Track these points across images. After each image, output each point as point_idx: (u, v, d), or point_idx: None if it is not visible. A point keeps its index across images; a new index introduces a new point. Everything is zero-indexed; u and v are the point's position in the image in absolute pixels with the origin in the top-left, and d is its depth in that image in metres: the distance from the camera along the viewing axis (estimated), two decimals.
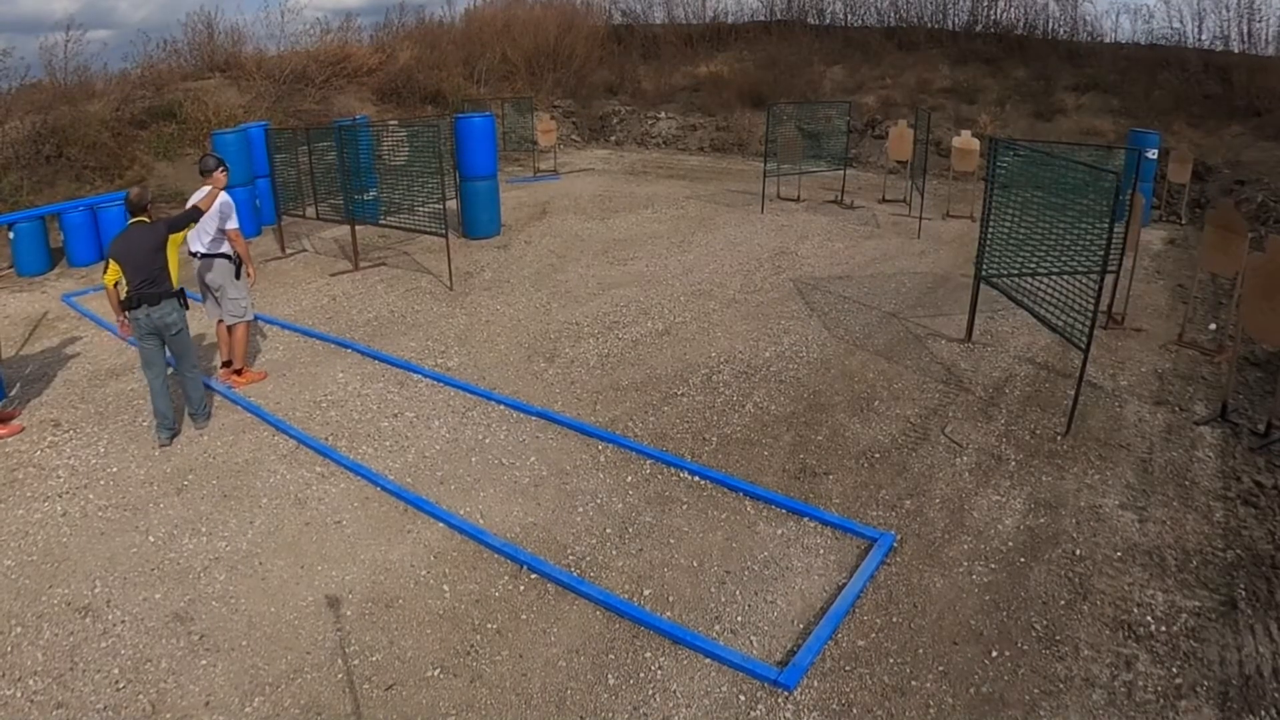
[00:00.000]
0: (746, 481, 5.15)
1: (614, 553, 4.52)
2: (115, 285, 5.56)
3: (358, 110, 16.47)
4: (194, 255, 6.46)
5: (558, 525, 4.78)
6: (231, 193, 6.53)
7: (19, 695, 3.62)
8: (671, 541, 4.60)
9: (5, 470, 5.53)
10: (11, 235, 10.19)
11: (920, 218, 11.50)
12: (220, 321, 6.65)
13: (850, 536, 4.62)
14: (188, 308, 5.81)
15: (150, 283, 5.51)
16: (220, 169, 6.29)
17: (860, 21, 20.69)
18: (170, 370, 5.94)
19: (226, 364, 6.77)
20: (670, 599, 4.14)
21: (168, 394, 5.80)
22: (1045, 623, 3.93)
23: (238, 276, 6.52)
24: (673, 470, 5.34)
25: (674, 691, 3.57)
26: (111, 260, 5.53)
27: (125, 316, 5.62)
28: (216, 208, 6.27)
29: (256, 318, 7.34)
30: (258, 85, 16.20)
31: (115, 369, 7.21)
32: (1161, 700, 3.48)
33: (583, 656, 3.79)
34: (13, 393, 6.58)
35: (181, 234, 5.81)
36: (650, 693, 3.57)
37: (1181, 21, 16.68)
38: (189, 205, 6.12)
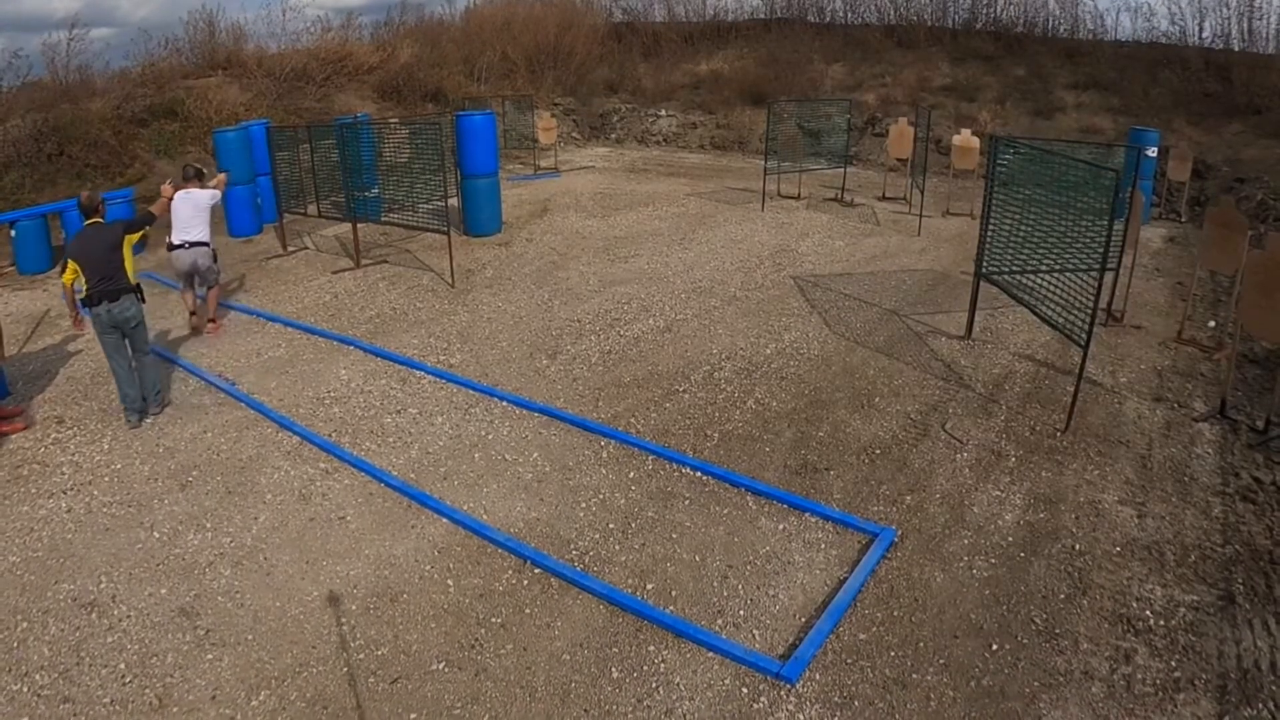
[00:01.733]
0: (748, 477, 5.17)
1: (617, 547, 4.55)
2: (72, 284, 5.87)
3: (358, 108, 16.48)
4: (185, 246, 7.54)
5: (561, 520, 4.81)
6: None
7: (26, 690, 3.65)
8: (674, 536, 4.63)
9: (10, 467, 5.55)
10: (13, 233, 10.21)
11: (920, 215, 11.52)
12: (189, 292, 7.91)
13: (851, 531, 4.65)
14: (144, 301, 6.12)
15: (109, 279, 5.78)
16: (168, 182, 7.31)
17: (860, 19, 20.70)
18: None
19: (193, 314, 7.99)
20: (673, 593, 4.17)
21: (134, 379, 6.09)
22: (1045, 616, 3.96)
23: (215, 259, 7.92)
24: (675, 466, 5.36)
25: (677, 684, 3.60)
26: (70, 260, 5.81)
27: (80, 314, 6.03)
28: (206, 201, 7.64)
29: (258, 315, 8.10)
30: (259, 83, 16.21)
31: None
32: (1160, 693, 3.51)
33: (586, 650, 3.81)
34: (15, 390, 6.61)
35: (137, 235, 6.21)
36: (654, 685, 3.60)
37: (1182, 19, 16.68)
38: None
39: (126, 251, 5.94)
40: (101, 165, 12.64)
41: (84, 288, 5.79)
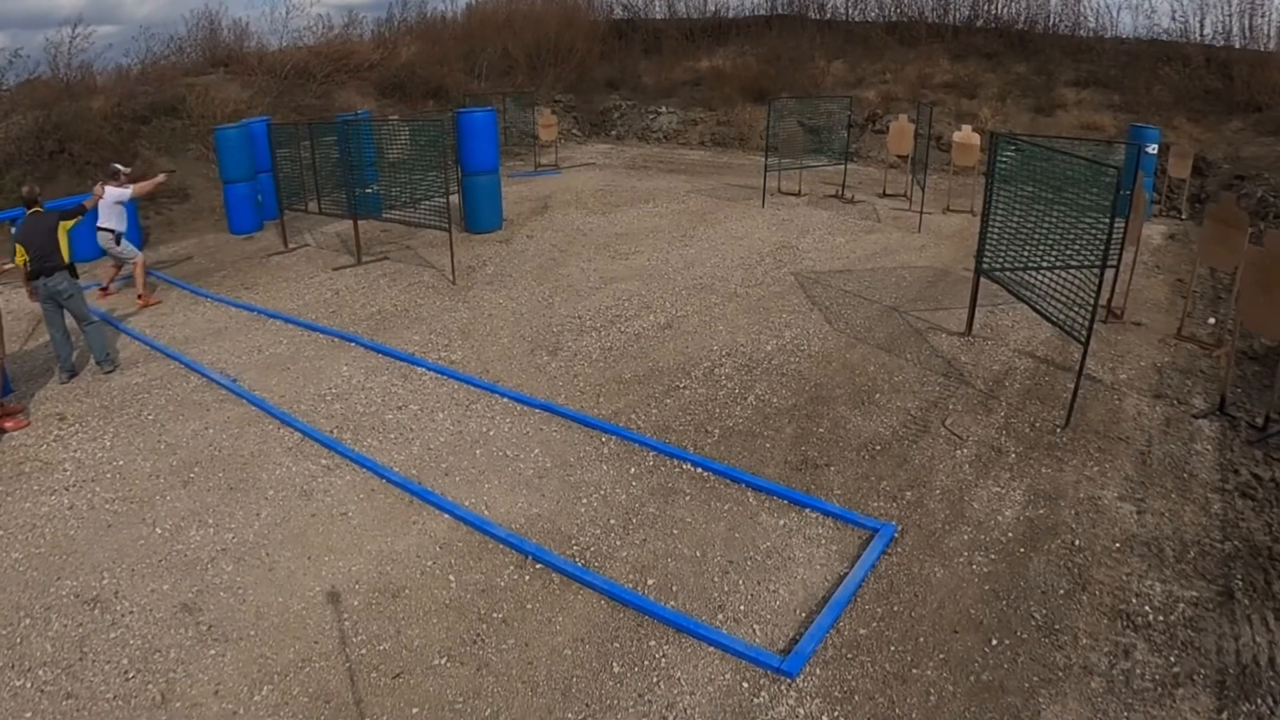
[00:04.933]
0: (749, 473, 5.19)
1: (618, 543, 4.56)
2: (23, 264, 6.75)
3: (359, 105, 16.46)
4: (100, 229, 8.71)
5: (562, 516, 4.82)
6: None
7: (29, 686, 3.66)
8: (675, 532, 4.65)
9: (12, 464, 5.57)
10: (14, 231, 10.19)
11: (921, 212, 11.52)
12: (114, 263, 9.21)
13: (851, 527, 4.67)
14: (78, 278, 7.00)
15: (45, 259, 6.70)
16: (99, 184, 8.41)
17: (862, 16, 20.68)
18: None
19: (104, 289, 9.30)
20: (674, 588, 4.19)
21: (67, 343, 6.95)
22: (1044, 612, 3.98)
23: (118, 242, 8.81)
24: (676, 462, 5.38)
25: (678, 679, 3.62)
26: (17, 244, 6.76)
27: (33, 287, 6.81)
28: (112, 196, 8.53)
29: (260, 312, 8.25)
30: (259, 81, 16.20)
31: (119, 363, 7.25)
32: (1159, 688, 3.52)
33: (588, 645, 3.83)
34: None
35: (71, 221, 7.00)
36: (654, 680, 3.62)
37: (1183, 16, 16.65)
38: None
39: (61, 236, 6.79)
40: (102, 163, 12.58)
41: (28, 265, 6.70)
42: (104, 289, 9.35)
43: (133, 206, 10.92)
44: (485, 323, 7.99)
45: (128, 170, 9.26)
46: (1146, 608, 3.99)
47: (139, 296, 8.95)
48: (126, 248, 8.98)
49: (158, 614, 4.09)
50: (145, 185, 9.14)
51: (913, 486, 5.07)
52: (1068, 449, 5.47)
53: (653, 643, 3.83)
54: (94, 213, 8.25)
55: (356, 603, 4.14)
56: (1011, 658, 3.70)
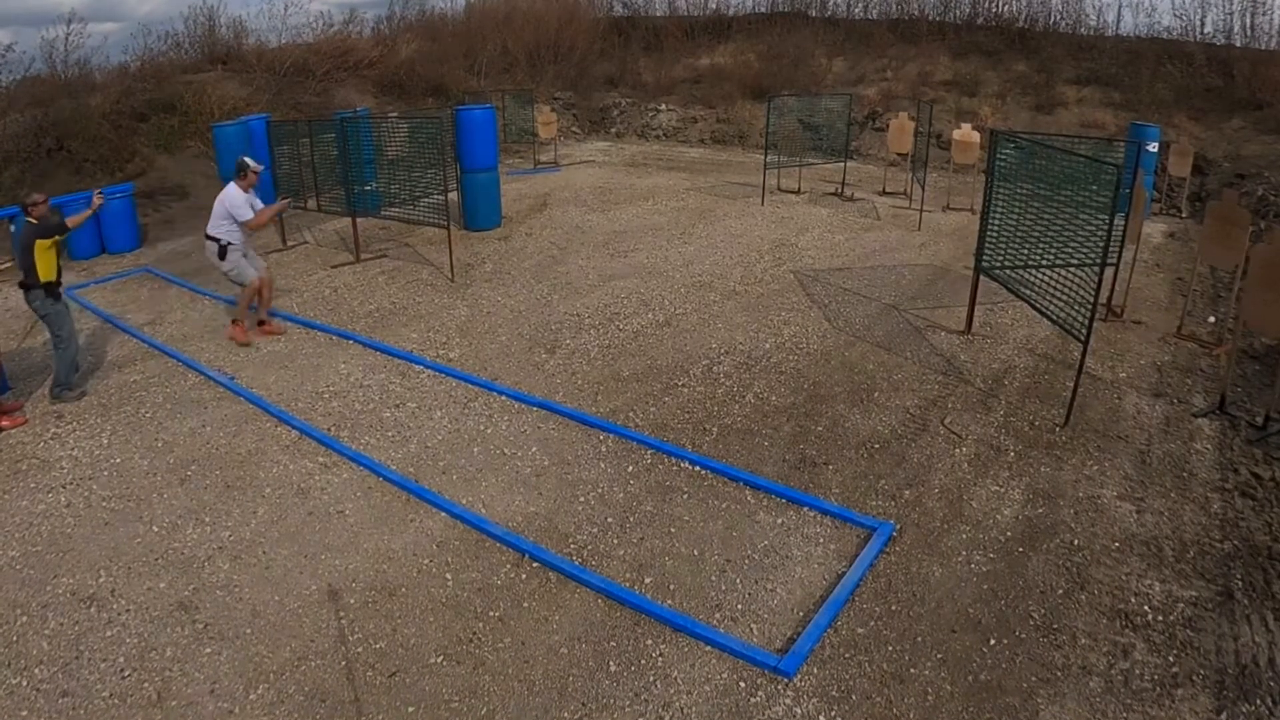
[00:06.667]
0: (747, 471, 5.18)
1: (615, 541, 4.55)
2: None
3: (358, 103, 16.43)
4: (208, 237, 7.46)
5: (559, 514, 4.81)
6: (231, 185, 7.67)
7: (25, 684, 3.66)
8: (672, 530, 4.63)
9: (9, 462, 5.56)
10: (13, 229, 10.18)
11: (920, 210, 11.49)
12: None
13: (850, 526, 4.65)
14: (58, 299, 6.41)
15: (25, 274, 6.35)
16: (97, 191, 7.29)
17: (863, 13, 20.66)
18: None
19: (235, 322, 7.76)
20: (671, 587, 4.17)
21: (77, 349, 6.63)
22: (1043, 612, 3.96)
23: (221, 257, 7.36)
24: (673, 460, 5.36)
25: (675, 678, 3.61)
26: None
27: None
28: (223, 197, 7.31)
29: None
30: (258, 78, 16.17)
31: (117, 361, 7.24)
32: (1158, 689, 3.51)
33: (584, 644, 3.82)
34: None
35: (50, 240, 6.29)
36: (651, 679, 3.61)
37: (1185, 14, 16.62)
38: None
39: (38, 254, 6.23)
40: (100, 160, 12.61)
41: None
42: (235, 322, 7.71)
43: (129, 203, 10.97)
44: (484, 320, 7.97)
45: (258, 168, 7.47)
46: (1145, 607, 3.98)
47: (233, 322, 7.67)
48: (234, 265, 7.39)
49: (154, 612, 4.08)
50: (265, 215, 7.59)
51: (911, 485, 5.06)
52: (1067, 448, 5.46)
53: (649, 641, 3.82)
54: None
55: (353, 601, 4.13)
56: (1010, 657, 3.69)
